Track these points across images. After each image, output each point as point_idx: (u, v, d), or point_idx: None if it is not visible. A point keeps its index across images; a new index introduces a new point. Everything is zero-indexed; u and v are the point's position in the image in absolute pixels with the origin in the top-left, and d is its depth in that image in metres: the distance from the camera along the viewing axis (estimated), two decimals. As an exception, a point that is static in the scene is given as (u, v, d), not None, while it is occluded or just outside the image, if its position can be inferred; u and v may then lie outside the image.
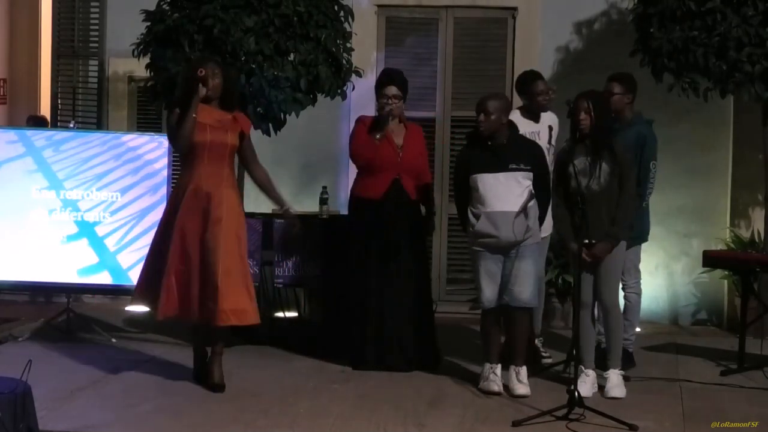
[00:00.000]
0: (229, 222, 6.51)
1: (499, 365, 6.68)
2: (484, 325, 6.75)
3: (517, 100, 7.67)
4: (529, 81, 7.35)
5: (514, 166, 6.57)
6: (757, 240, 8.73)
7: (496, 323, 6.74)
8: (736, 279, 8.19)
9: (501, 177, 6.56)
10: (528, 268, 6.63)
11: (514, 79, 9.25)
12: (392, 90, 7.13)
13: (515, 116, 7.31)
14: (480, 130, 6.63)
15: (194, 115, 6.46)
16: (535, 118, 7.28)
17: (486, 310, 6.69)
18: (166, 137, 7.84)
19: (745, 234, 9.02)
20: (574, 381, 6.16)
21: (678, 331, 8.93)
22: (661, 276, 9.15)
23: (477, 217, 6.60)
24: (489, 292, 6.63)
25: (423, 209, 7.34)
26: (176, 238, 6.47)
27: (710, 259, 7.78)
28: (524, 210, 6.56)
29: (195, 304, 6.44)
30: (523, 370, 6.65)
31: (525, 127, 7.20)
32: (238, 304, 6.43)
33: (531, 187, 6.62)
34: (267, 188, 6.85)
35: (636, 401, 6.52)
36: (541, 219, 6.72)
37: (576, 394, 6.05)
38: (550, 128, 7.33)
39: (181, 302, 6.46)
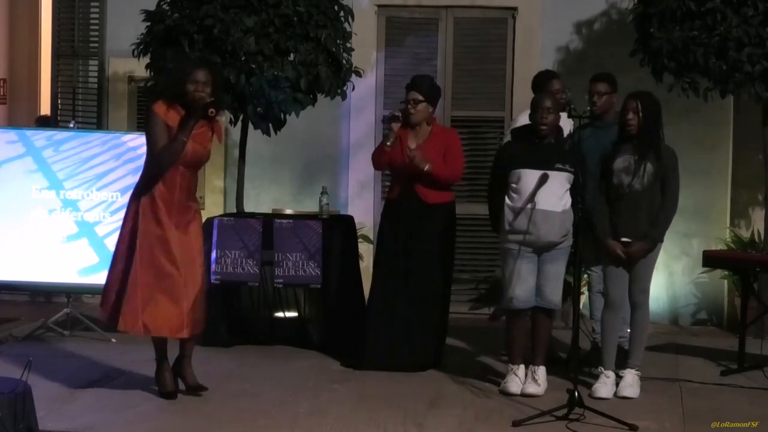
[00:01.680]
0: (199, 235, 6.44)
1: (522, 366, 6.65)
2: (512, 326, 6.65)
3: (524, 99, 7.66)
4: (544, 80, 7.35)
5: (560, 166, 6.52)
6: (757, 240, 8.73)
7: (525, 324, 6.67)
8: (736, 279, 8.19)
9: (540, 176, 6.49)
10: (560, 270, 6.62)
11: (514, 79, 9.33)
12: (413, 95, 7.16)
13: (530, 115, 7.33)
14: (542, 127, 6.55)
15: (185, 140, 6.19)
16: None
17: (516, 311, 6.63)
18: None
19: (745, 234, 9.02)
20: (575, 381, 6.16)
21: (678, 331, 8.94)
22: (661, 276, 9.14)
23: (514, 211, 6.53)
24: (521, 291, 6.54)
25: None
26: (145, 248, 6.25)
27: (710, 259, 7.78)
28: (566, 212, 6.53)
29: (172, 316, 6.26)
30: (541, 370, 6.64)
31: None
32: (202, 313, 6.38)
33: (570, 191, 6.56)
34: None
35: (636, 401, 6.52)
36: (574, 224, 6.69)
37: (576, 393, 6.05)
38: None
39: (151, 314, 6.25)
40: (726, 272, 8.68)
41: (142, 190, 6.32)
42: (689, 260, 9.14)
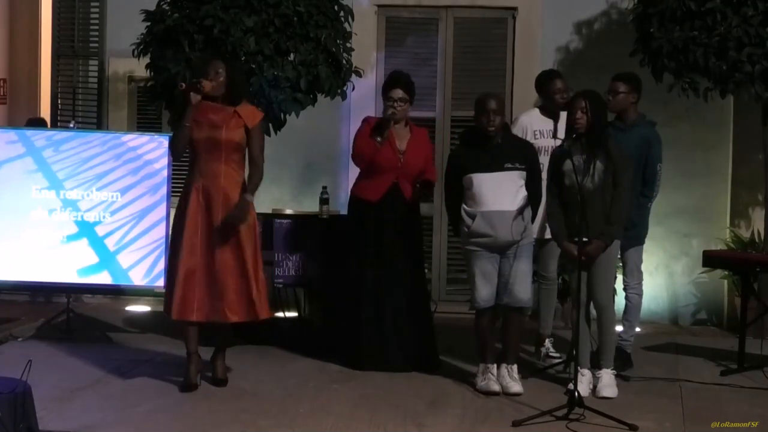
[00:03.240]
0: (245, 227, 6.55)
1: (495, 365, 6.70)
2: (479, 326, 6.74)
3: (523, 99, 7.66)
4: (547, 80, 7.36)
5: (510, 165, 6.59)
6: (757, 240, 8.73)
7: (490, 323, 6.74)
8: (736, 279, 8.19)
9: (497, 176, 6.57)
10: (526, 268, 6.65)
11: (514, 79, 9.33)
12: (398, 93, 7.13)
13: (533, 114, 7.34)
14: (490, 129, 6.61)
15: (188, 124, 6.45)
16: (554, 117, 7.27)
17: (481, 310, 6.70)
18: (166, 137, 7.89)
19: (745, 234, 9.03)
20: (574, 381, 6.16)
21: (678, 331, 8.94)
22: (661, 276, 9.15)
23: (472, 216, 6.60)
24: (485, 292, 6.63)
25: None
26: (185, 238, 6.49)
27: (710, 259, 7.78)
28: (521, 210, 6.57)
29: (206, 303, 6.49)
30: (515, 368, 6.68)
31: (543, 125, 7.24)
32: (244, 301, 6.51)
33: (524, 187, 6.63)
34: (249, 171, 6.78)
35: (636, 401, 6.52)
36: (532, 218, 6.73)
37: (576, 394, 6.05)
38: (556, 122, 7.28)
39: (194, 302, 6.48)
40: (726, 272, 8.68)
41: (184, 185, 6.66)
42: (689, 260, 9.14)
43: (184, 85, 6.54)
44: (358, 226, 7.23)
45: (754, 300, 7.73)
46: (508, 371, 6.66)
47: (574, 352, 6.39)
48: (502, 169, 6.57)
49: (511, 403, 6.43)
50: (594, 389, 6.60)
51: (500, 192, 6.56)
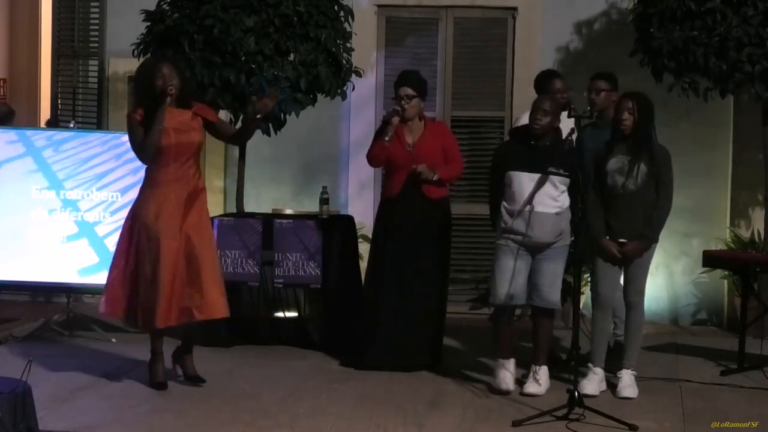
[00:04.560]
0: (205, 219, 6.58)
1: (512, 360, 6.67)
2: (497, 322, 6.69)
3: (523, 99, 7.66)
4: (546, 80, 7.36)
5: (553, 170, 6.52)
6: (757, 240, 8.73)
7: (507, 321, 6.70)
8: (736, 279, 8.18)
9: (538, 178, 6.52)
10: (558, 270, 6.63)
11: (514, 79, 9.33)
12: (405, 90, 7.13)
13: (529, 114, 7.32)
14: (535, 128, 6.58)
15: (160, 128, 6.39)
16: None
17: (499, 307, 6.66)
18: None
19: (745, 234, 9.02)
20: (574, 381, 6.16)
21: (678, 331, 8.93)
22: (661, 276, 9.15)
23: (511, 214, 6.56)
24: (502, 290, 6.56)
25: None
26: (145, 242, 6.44)
27: (710, 259, 7.78)
28: (560, 214, 6.54)
29: (174, 304, 6.42)
30: (543, 370, 6.66)
31: None
32: (214, 298, 6.49)
33: (566, 192, 6.59)
34: (240, 129, 6.79)
35: (636, 401, 6.53)
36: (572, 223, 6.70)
37: (576, 394, 6.05)
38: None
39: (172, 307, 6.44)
40: (726, 272, 8.68)
41: (140, 188, 6.57)
42: (689, 260, 9.14)
43: (172, 87, 6.41)
44: (379, 223, 7.27)
45: (754, 300, 7.72)
46: (534, 372, 6.64)
47: (574, 352, 6.39)
48: (545, 172, 6.51)
49: (511, 403, 6.43)
50: (613, 389, 6.61)
51: (540, 193, 6.51)
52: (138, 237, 6.47)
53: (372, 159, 7.29)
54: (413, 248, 7.13)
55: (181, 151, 6.49)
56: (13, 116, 9.63)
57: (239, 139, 6.94)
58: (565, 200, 6.57)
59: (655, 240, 6.64)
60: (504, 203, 6.60)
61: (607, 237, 6.56)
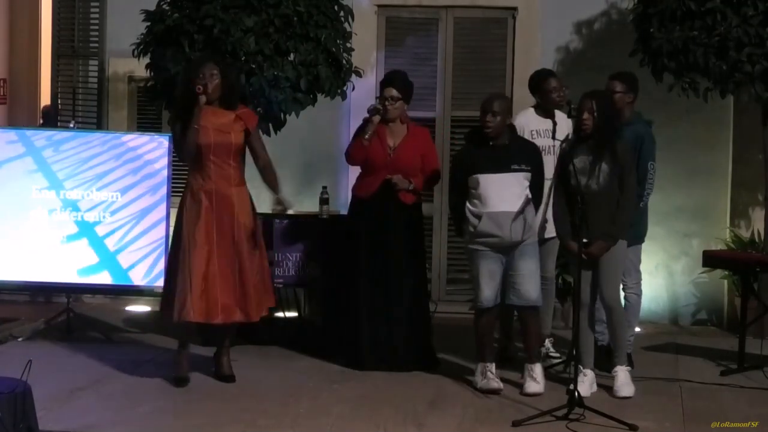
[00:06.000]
0: (245, 221, 6.67)
1: (494, 364, 6.71)
2: (479, 325, 6.74)
3: (523, 99, 7.65)
4: (541, 78, 7.35)
5: (516, 167, 6.60)
6: (757, 240, 8.73)
7: (492, 323, 6.75)
8: (736, 279, 8.19)
9: (504, 177, 6.57)
10: (532, 267, 6.65)
11: (514, 79, 9.33)
12: (390, 92, 7.14)
13: (529, 114, 7.32)
14: (486, 131, 6.63)
15: (197, 127, 6.52)
16: (550, 116, 7.27)
17: (483, 310, 6.69)
18: (166, 137, 7.90)
19: (745, 234, 9.02)
20: (574, 381, 6.16)
21: (678, 331, 8.93)
22: (661, 276, 9.15)
23: (478, 216, 6.60)
24: (489, 291, 6.64)
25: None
26: (194, 242, 6.54)
27: (710, 259, 7.78)
28: (523, 210, 6.57)
29: (218, 304, 6.54)
30: (538, 368, 6.67)
31: (539, 124, 7.24)
32: (261, 301, 6.70)
33: (529, 188, 6.64)
34: (263, 174, 6.87)
35: (636, 401, 6.53)
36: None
37: (576, 394, 6.05)
38: (555, 123, 7.27)
39: (206, 304, 6.54)
40: (726, 272, 8.68)
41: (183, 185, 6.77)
42: (689, 260, 9.13)
43: (201, 86, 6.55)
44: (354, 223, 7.25)
45: (754, 300, 7.72)
46: (530, 371, 6.65)
47: (575, 352, 6.39)
48: (509, 170, 6.59)
49: (511, 403, 6.43)
50: (608, 390, 6.60)
51: (506, 193, 6.57)
52: (186, 233, 6.57)
53: (350, 157, 7.28)
54: (390, 248, 7.14)
55: (220, 151, 6.61)
56: (57, 115, 9.71)
57: (263, 173, 6.91)
58: (527, 196, 6.64)
59: (620, 237, 6.60)
60: (469, 207, 6.65)
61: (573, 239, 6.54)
